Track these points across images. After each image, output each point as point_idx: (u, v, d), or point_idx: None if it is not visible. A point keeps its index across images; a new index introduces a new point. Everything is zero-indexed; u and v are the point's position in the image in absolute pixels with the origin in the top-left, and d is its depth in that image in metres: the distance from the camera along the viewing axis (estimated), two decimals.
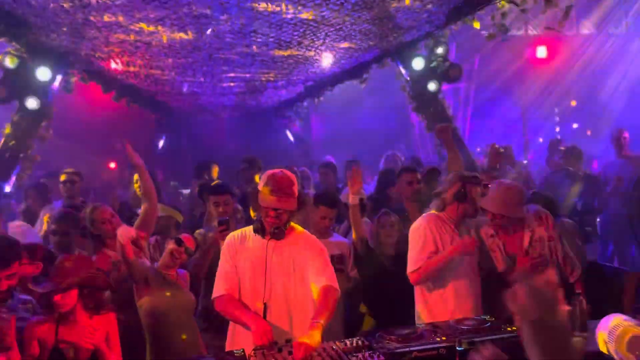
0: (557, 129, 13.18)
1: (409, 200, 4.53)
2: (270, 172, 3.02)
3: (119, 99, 7.66)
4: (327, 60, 6.45)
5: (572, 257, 3.70)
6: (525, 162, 9.85)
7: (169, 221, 4.32)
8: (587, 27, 11.75)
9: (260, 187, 2.98)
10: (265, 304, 2.97)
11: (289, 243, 3.07)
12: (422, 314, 3.56)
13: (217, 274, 3.07)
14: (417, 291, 3.62)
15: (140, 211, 4.05)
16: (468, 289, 3.55)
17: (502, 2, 4.96)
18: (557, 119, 13.24)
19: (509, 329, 2.99)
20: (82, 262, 3.09)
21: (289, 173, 3.02)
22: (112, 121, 9.01)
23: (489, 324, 3.01)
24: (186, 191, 7.94)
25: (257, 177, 5.75)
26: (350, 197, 3.88)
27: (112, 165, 9.56)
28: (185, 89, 7.49)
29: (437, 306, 3.52)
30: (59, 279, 2.92)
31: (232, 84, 7.51)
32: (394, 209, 4.69)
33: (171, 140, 10.56)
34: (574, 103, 13.00)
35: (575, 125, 13.06)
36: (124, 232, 3.44)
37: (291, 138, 10.81)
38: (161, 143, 10.10)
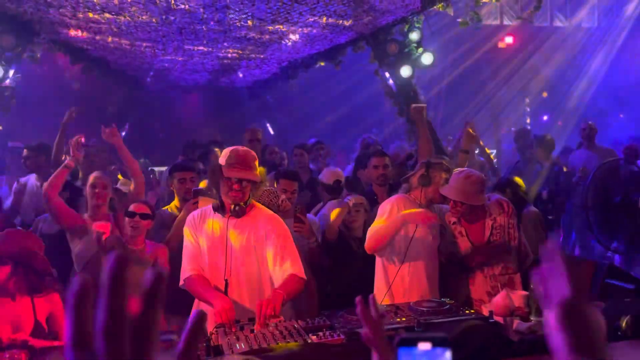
0: (528, 120, 13.42)
1: (377, 184, 4.56)
2: (231, 147, 3.04)
3: (87, 71, 7.45)
4: (300, 39, 6.40)
5: (526, 245, 3.83)
6: (494, 151, 10.03)
7: None
8: (560, 20, 11.92)
9: (222, 162, 2.98)
10: (226, 281, 3.00)
11: (250, 221, 3.07)
12: (379, 291, 3.63)
13: (183, 254, 3.10)
14: (377, 267, 3.71)
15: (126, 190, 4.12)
16: (425, 270, 3.64)
17: None
18: (528, 109, 13.46)
19: (467, 311, 3.08)
20: (22, 238, 2.98)
21: (248, 149, 3.07)
22: (82, 94, 8.79)
23: (448, 306, 3.08)
24: (158, 169, 7.95)
25: (218, 151, 5.76)
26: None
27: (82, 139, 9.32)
28: (154, 65, 7.33)
29: (394, 285, 3.60)
30: None
31: (204, 61, 7.38)
32: (365, 192, 4.74)
33: (142, 117, 10.38)
34: (545, 94, 13.24)
35: (545, 117, 13.31)
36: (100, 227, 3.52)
37: (271, 131, 10.71)
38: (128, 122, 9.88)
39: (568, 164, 7.06)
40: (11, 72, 5.71)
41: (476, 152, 6.63)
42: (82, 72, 7.45)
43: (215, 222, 3.08)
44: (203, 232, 3.07)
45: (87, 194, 3.93)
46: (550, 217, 6.08)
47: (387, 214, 3.59)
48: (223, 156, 3.01)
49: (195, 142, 7.06)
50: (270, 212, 3.20)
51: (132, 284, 0.54)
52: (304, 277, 3.05)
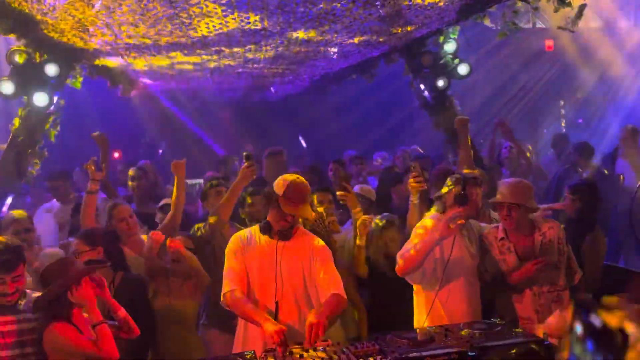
0: (563, 123, 13.15)
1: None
2: (288, 178, 3.05)
3: (126, 93, 7.65)
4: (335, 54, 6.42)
5: (574, 260, 3.70)
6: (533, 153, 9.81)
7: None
8: (596, 22, 11.64)
9: (279, 192, 3.00)
10: (277, 303, 3.00)
11: (297, 244, 3.11)
12: (419, 316, 3.55)
13: (225, 272, 3.06)
14: (416, 291, 3.62)
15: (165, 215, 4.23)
16: (466, 293, 3.53)
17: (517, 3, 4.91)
18: (563, 111, 13.19)
19: (520, 332, 3.01)
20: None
21: (303, 179, 3.08)
22: (120, 117, 9.00)
23: (499, 327, 3.01)
24: (191, 181, 8.21)
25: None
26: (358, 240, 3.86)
27: (116, 155, 9.60)
28: (192, 85, 7.47)
29: (435, 309, 3.48)
30: (66, 275, 2.87)
31: (238, 80, 7.49)
32: (397, 208, 4.68)
33: (176, 134, 10.56)
34: (579, 97, 12.95)
35: (580, 120, 13.02)
36: (155, 236, 3.68)
37: (304, 144, 10.77)
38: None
39: (613, 170, 6.82)
40: (55, 99, 5.90)
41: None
42: (121, 94, 7.65)
43: (263, 244, 3.09)
44: (250, 252, 3.07)
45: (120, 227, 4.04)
46: None
47: (421, 235, 3.46)
48: (281, 186, 3.02)
49: (226, 157, 7.12)
50: (312, 234, 3.23)
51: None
52: (345, 297, 3.06)
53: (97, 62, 6.36)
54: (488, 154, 7.03)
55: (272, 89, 8.97)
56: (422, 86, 6.51)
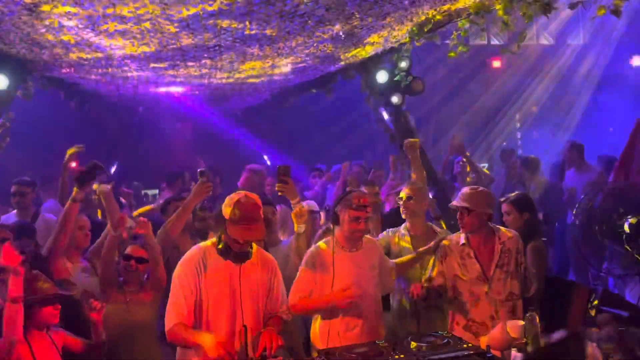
0: (519, 135, 13.59)
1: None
2: (235, 197, 2.92)
3: (80, 106, 7.51)
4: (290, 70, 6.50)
5: (532, 271, 3.85)
6: (485, 165, 10.11)
7: None
8: (546, 39, 12.12)
9: (226, 215, 2.89)
10: (245, 327, 2.88)
11: (255, 265, 3.07)
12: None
13: (170, 301, 2.96)
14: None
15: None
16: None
17: (463, 21, 5.08)
18: (518, 125, 13.62)
19: (465, 345, 3.10)
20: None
21: (253, 196, 2.96)
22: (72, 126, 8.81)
23: (446, 340, 3.09)
24: (151, 192, 8.11)
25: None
26: (296, 227, 3.85)
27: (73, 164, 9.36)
28: (150, 96, 7.40)
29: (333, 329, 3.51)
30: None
31: (196, 91, 7.46)
32: None
33: (134, 144, 10.41)
34: (534, 109, 13.42)
35: (535, 133, 13.47)
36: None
37: (267, 161, 10.77)
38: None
39: (563, 184, 7.06)
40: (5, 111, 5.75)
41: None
42: (75, 108, 7.50)
43: (221, 268, 2.98)
44: (208, 279, 2.95)
45: None
46: (543, 240, 6.13)
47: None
48: (227, 206, 2.90)
49: (176, 171, 7.04)
50: (262, 250, 3.22)
51: None
52: (291, 310, 3.18)
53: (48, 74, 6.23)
54: (442, 170, 7.23)
55: (231, 101, 8.96)
56: (377, 102, 6.65)
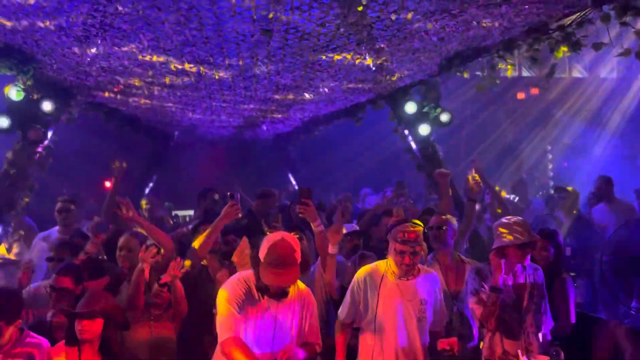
0: (550, 166, 13.48)
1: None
2: (271, 239, 2.90)
3: (119, 129, 7.84)
4: (321, 101, 6.67)
5: (560, 307, 3.86)
6: (512, 196, 10.05)
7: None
8: (579, 71, 12.10)
9: (261, 257, 2.88)
10: None
11: (292, 302, 3.06)
12: None
13: (222, 316, 2.91)
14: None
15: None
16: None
17: (493, 55, 5.17)
18: (550, 156, 13.53)
19: None
20: (109, 296, 3.33)
21: (290, 238, 2.93)
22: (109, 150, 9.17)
23: None
24: (182, 213, 8.41)
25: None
26: (330, 248, 3.86)
27: (108, 184, 9.67)
28: (183, 122, 7.67)
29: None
30: (89, 305, 3.11)
31: (230, 119, 7.71)
32: (374, 248, 4.83)
33: (168, 167, 10.73)
34: (567, 141, 13.32)
35: (565, 164, 13.36)
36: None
37: (293, 182, 10.95)
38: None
39: (591, 218, 6.97)
40: (49, 134, 6.06)
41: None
42: (115, 129, 7.83)
43: (262, 301, 3.00)
44: (249, 309, 2.97)
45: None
46: (572, 274, 6.05)
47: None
48: (262, 249, 2.89)
49: (207, 190, 7.17)
50: (304, 286, 3.20)
51: None
52: (320, 343, 3.18)
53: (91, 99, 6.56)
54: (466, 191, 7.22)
55: (263, 127, 9.19)
56: (406, 131, 6.74)
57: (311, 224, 3.90)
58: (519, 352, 3.58)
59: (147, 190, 9.32)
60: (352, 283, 3.52)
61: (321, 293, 4.06)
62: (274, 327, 3.01)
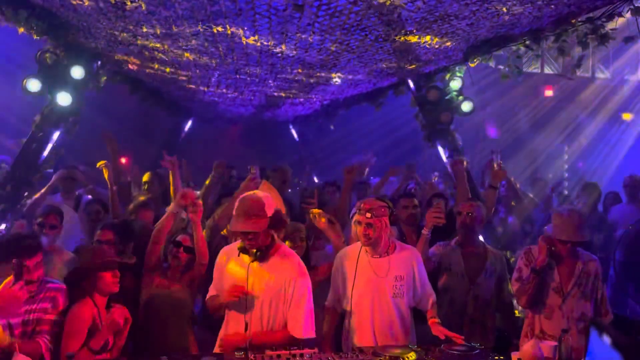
0: (565, 167, 13.43)
1: (405, 224, 4.74)
2: (241, 195, 3.22)
3: (143, 100, 7.95)
4: (344, 82, 6.72)
5: (607, 301, 3.86)
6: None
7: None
8: (602, 73, 11.99)
9: (233, 212, 3.15)
10: (246, 323, 3.11)
11: (272, 267, 3.19)
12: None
13: (216, 272, 3.38)
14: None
15: None
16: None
17: (519, 45, 5.19)
18: (566, 157, 13.48)
19: (496, 357, 3.21)
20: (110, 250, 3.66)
21: (260, 194, 3.17)
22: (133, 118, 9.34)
23: (477, 351, 3.21)
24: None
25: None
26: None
27: (124, 160, 9.80)
28: (205, 98, 7.76)
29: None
30: (111, 257, 3.45)
31: (252, 97, 7.78)
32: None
33: (187, 143, 10.84)
34: (585, 141, 13.25)
35: (580, 164, 13.31)
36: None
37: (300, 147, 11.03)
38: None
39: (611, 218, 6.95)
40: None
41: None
42: (139, 101, 7.95)
43: (238, 262, 3.24)
44: (227, 270, 3.28)
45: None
46: None
47: None
48: (235, 204, 3.18)
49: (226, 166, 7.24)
50: (296, 259, 3.31)
51: None
52: (299, 338, 3.16)
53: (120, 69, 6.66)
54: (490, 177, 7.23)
55: (283, 108, 9.26)
56: (427, 119, 6.77)
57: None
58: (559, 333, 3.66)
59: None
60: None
61: None
62: (247, 290, 3.13)
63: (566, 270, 3.76)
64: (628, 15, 4.20)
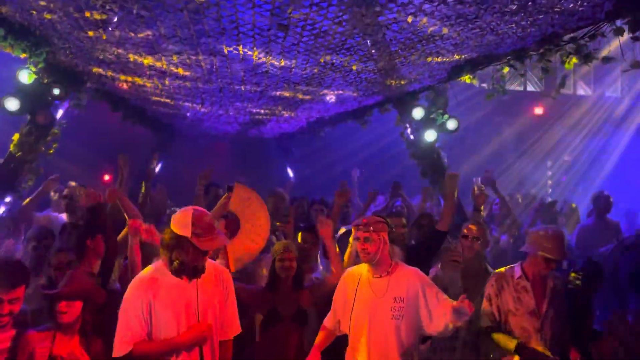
0: (549, 182, 13.54)
1: (393, 244, 4.67)
2: (186, 214, 3.00)
3: (125, 118, 7.84)
4: (331, 101, 6.70)
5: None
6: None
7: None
8: (583, 89, 12.18)
9: (185, 232, 2.95)
10: (200, 348, 3.03)
11: (209, 277, 3.12)
12: None
13: (121, 325, 2.94)
14: None
15: None
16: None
17: (503, 65, 5.21)
18: (550, 173, 13.59)
19: None
20: (88, 277, 3.31)
21: (198, 208, 3.07)
22: (114, 140, 9.18)
23: None
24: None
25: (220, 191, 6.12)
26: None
27: (107, 177, 9.66)
28: (189, 116, 7.68)
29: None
30: (67, 287, 3.06)
31: (237, 115, 7.72)
32: None
33: (170, 162, 10.72)
34: (567, 158, 13.39)
35: (564, 179, 13.44)
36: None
37: (291, 174, 10.98)
38: (158, 166, 10.21)
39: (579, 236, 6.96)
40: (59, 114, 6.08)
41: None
42: (121, 119, 7.84)
43: (174, 284, 3.03)
44: (162, 298, 2.98)
45: None
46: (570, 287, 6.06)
47: None
48: (185, 226, 2.96)
49: (210, 185, 7.13)
50: (221, 266, 3.33)
51: None
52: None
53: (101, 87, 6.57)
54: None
55: (268, 126, 9.21)
56: (412, 137, 6.77)
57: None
58: None
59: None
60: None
61: None
62: (191, 308, 3.02)
63: (539, 291, 3.72)
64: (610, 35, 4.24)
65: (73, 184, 6.21)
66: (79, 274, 3.26)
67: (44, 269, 4.14)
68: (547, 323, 3.65)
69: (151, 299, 2.95)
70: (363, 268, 3.46)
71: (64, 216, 5.98)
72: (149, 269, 3.09)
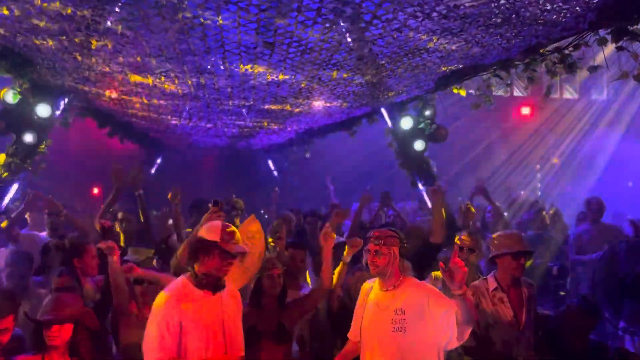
0: (539, 185, 13.62)
1: None
2: (215, 224, 3.09)
3: (113, 134, 7.80)
4: (319, 113, 6.71)
5: None
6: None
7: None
8: (570, 93, 12.30)
9: (215, 238, 2.99)
10: None
11: (228, 292, 3.16)
12: None
13: (150, 343, 2.90)
14: None
15: None
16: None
17: (490, 74, 5.24)
18: (539, 175, 13.69)
19: None
20: (78, 299, 3.23)
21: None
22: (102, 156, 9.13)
23: None
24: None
25: (237, 221, 5.95)
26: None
27: (95, 190, 9.58)
28: (178, 130, 7.65)
29: None
30: (58, 312, 2.99)
31: (225, 129, 7.70)
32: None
33: (159, 174, 10.67)
34: (556, 160, 13.50)
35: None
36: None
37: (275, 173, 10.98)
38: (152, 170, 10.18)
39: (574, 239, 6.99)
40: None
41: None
42: (108, 135, 7.79)
43: (203, 298, 3.04)
44: (192, 312, 2.96)
45: None
46: (562, 294, 6.09)
47: None
48: (214, 231, 3.03)
49: (201, 200, 7.10)
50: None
51: None
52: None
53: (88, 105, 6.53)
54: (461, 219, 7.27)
55: (257, 138, 9.19)
56: (401, 147, 6.77)
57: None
58: None
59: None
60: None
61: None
62: (224, 324, 3.04)
63: (515, 300, 3.70)
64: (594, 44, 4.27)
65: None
66: (67, 297, 3.18)
67: (25, 295, 4.08)
68: (526, 332, 3.64)
69: (182, 315, 2.93)
70: (376, 281, 3.44)
71: (44, 234, 5.87)
72: (176, 283, 3.08)
